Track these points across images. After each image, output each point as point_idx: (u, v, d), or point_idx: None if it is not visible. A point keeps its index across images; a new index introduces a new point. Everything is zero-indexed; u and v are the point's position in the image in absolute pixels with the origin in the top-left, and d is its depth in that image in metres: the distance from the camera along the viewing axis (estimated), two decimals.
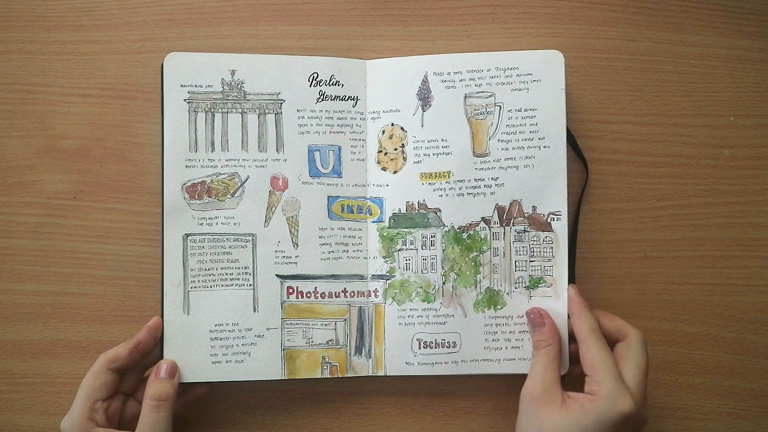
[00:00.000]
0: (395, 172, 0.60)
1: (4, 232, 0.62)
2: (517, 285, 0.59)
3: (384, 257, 0.60)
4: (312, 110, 0.60)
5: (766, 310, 0.62)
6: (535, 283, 0.59)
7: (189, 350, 0.57)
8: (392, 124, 0.60)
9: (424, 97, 0.60)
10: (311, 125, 0.60)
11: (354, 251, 0.60)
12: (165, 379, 0.55)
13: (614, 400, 0.50)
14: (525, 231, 0.59)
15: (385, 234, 0.60)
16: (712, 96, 0.63)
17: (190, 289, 0.58)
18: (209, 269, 0.58)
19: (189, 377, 0.57)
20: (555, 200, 0.59)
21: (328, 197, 0.60)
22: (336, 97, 0.60)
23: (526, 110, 0.59)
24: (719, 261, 0.63)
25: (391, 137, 0.60)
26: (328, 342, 0.59)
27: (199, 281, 0.58)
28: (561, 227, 0.59)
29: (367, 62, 0.61)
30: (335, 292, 0.59)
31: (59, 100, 0.62)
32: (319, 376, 0.59)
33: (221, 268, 0.58)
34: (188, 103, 0.59)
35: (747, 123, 0.63)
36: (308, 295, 0.59)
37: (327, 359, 0.59)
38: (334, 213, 0.60)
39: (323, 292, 0.59)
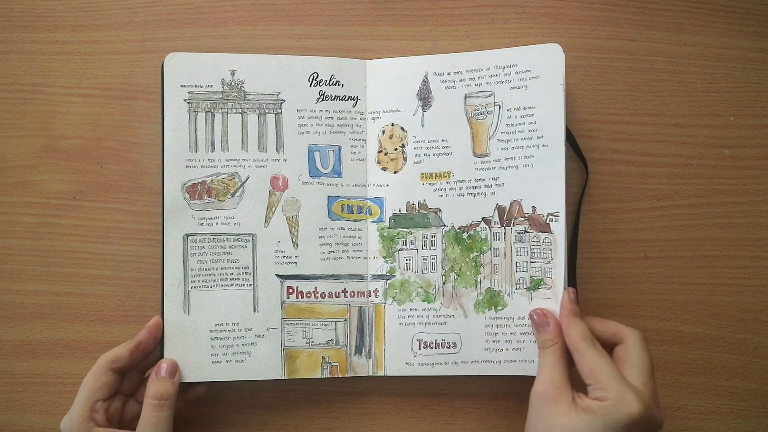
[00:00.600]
0: (395, 172, 0.60)
1: (4, 232, 0.62)
2: (518, 286, 0.59)
3: (384, 257, 0.60)
4: (312, 110, 0.60)
5: (766, 310, 0.62)
6: (535, 285, 0.58)
7: (189, 350, 0.57)
8: (392, 124, 0.60)
9: (425, 98, 0.60)
10: (311, 125, 0.60)
11: (354, 251, 0.60)
12: (166, 378, 0.55)
13: (621, 403, 0.48)
14: (525, 231, 0.59)
15: (385, 234, 0.60)
16: (712, 96, 0.63)
17: (190, 289, 0.58)
18: (209, 269, 0.58)
19: (189, 377, 0.57)
20: (553, 200, 0.58)
21: (328, 197, 0.60)
22: (336, 97, 0.60)
23: (524, 108, 0.59)
24: (719, 261, 0.63)
25: (391, 137, 0.60)
26: (328, 342, 0.59)
27: (199, 281, 0.58)
28: (559, 228, 0.58)
29: (367, 62, 0.61)
30: (335, 292, 0.59)
31: (59, 100, 0.62)
32: (319, 376, 0.59)
33: (221, 268, 0.58)
34: (188, 103, 0.59)
35: (747, 123, 0.63)
36: (308, 295, 0.59)
37: (327, 359, 0.59)
38: (334, 213, 0.60)
39: (323, 292, 0.59)
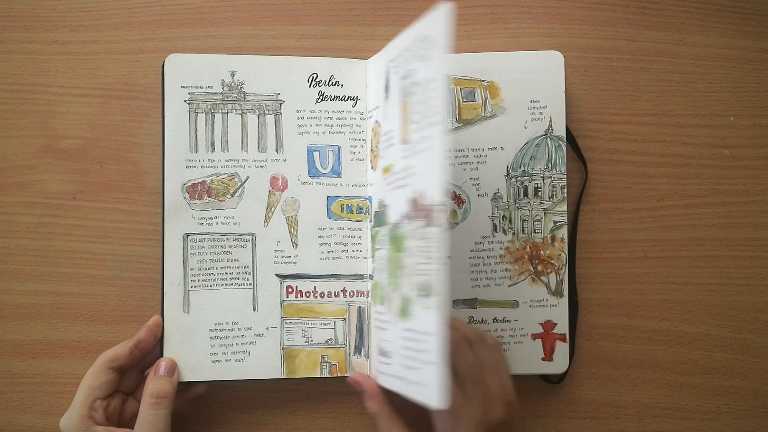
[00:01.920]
0: (374, 169, 0.59)
1: (4, 232, 0.62)
2: (415, 292, 0.48)
3: (372, 257, 0.59)
4: (311, 111, 0.60)
5: (766, 310, 0.62)
6: (424, 291, 0.46)
7: (189, 349, 0.57)
8: (376, 121, 0.59)
9: (387, 87, 0.56)
10: (311, 125, 0.60)
11: (353, 251, 0.60)
12: (164, 376, 0.55)
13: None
14: (421, 226, 0.47)
15: (371, 234, 0.59)
16: (712, 96, 0.63)
17: (190, 288, 0.58)
18: (209, 269, 0.58)
19: (188, 376, 0.57)
20: (434, 185, 0.45)
21: (328, 197, 0.60)
22: (335, 98, 0.60)
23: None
24: (719, 261, 0.62)
25: (375, 134, 0.59)
26: (327, 341, 0.59)
27: (199, 280, 0.58)
28: (439, 219, 0.45)
29: (367, 62, 0.61)
30: (334, 292, 0.59)
31: (59, 100, 0.62)
32: (318, 375, 0.59)
33: (221, 268, 0.59)
34: (188, 104, 0.59)
35: (747, 123, 0.63)
36: (307, 294, 0.59)
37: (326, 358, 0.59)
38: (333, 213, 0.60)
39: (322, 292, 0.59)
